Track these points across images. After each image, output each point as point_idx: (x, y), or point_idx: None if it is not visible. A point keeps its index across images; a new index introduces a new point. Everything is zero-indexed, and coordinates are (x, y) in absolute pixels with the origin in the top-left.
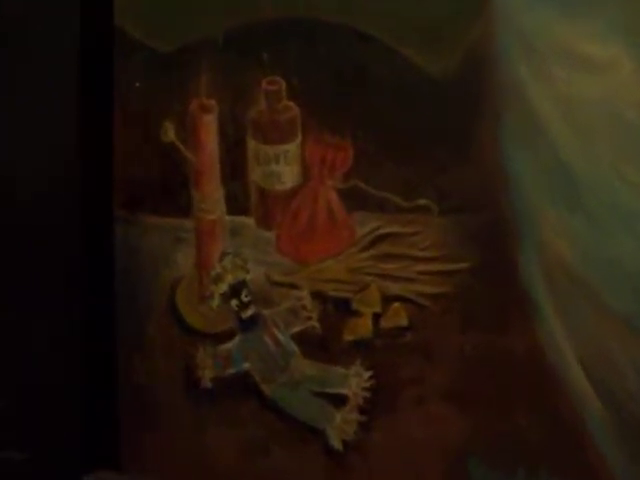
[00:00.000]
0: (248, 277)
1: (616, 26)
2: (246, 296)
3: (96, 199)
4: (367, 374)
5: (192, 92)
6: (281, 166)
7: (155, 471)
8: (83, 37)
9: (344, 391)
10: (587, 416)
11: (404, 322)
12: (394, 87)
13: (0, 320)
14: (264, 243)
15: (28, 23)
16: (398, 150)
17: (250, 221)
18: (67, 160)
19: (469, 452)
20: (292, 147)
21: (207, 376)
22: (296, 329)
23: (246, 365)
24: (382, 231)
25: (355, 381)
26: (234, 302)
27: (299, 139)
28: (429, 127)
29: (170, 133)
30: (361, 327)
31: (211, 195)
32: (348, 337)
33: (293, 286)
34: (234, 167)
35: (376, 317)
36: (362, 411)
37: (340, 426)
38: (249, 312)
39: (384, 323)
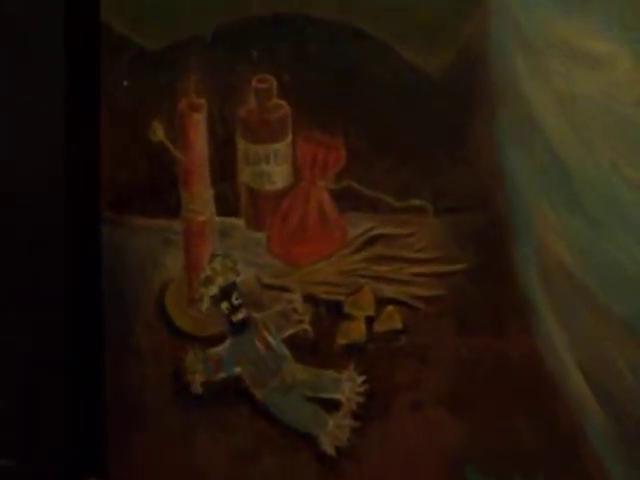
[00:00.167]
0: (238, 279)
1: (614, 21)
2: (237, 299)
3: (83, 200)
4: (360, 379)
5: (181, 91)
6: (271, 166)
7: (144, 478)
8: (68, 34)
9: (337, 396)
10: (585, 421)
11: (398, 325)
12: (388, 85)
13: None
14: (254, 245)
15: (11, 19)
16: (392, 149)
17: (240, 222)
18: (53, 160)
19: (465, 458)
20: (283, 146)
21: (197, 381)
22: (288, 333)
23: (237, 369)
24: (375, 232)
25: (348, 386)
26: (224, 305)
27: (290, 138)
28: (423, 125)
29: (159, 132)
30: (354, 331)
31: (200, 196)
32: (341, 341)
33: (284, 289)
34: (224, 167)
35: (369, 320)
36: (355, 416)
37: (333, 432)
38: (240, 315)
39: (378, 326)
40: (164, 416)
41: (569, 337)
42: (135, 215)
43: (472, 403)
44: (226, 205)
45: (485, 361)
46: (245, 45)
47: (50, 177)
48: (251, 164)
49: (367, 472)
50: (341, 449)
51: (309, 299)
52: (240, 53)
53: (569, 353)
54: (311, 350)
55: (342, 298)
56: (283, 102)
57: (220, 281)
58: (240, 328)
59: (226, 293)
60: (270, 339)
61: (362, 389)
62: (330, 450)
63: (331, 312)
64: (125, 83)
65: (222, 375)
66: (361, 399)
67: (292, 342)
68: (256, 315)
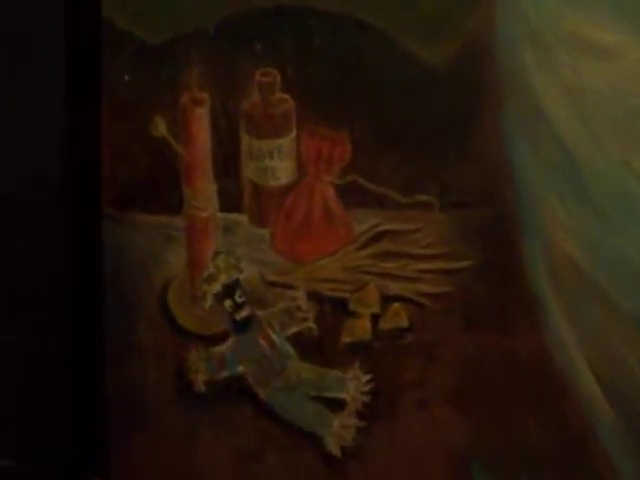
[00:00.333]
0: (242, 277)
1: (623, 12)
2: (240, 296)
3: (84, 197)
4: (366, 377)
5: (183, 85)
6: (275, 161)
7: (146, 478)
8: (69, 29)
9: (342, 395)
10: (595, 420)
11: (404, 323)
12: (393, 78)
13: None
14: (258, 241)
15: (10, 15)
16: (397, 144)
17: (243, 218)
18: (54, 157)
19: (472, 457)
20: (287, 141)
21: (200, 380)
22: (292, 331)
23: (240, 368)
24: (381, 228)
25: (353, 385)
26: (228, 303)
27: (294, 133)
28: (429, 119)
29: (161, 127)
30: (359, 328)
31: (203, 191)
32: (346, 339)
33: (288, 286)
34: (227, 162)
35: (375, 318)
36: (361, 416)
37: (338, 432)
38: (243, 313)
39: (383, 324)
40: (166, 415)
41: (578, 334)
42: (137, 212)
43: (479, 401)
44: (229, 201)
45: (492, 358)
46: (248, 38)
47: (51, 174)
48: (255, 159)
49: (373, 472)
50: (346, 449)
51: (314, 296)
52: (243, 46)
53: (578, 350)
54: (316, 348)
55: (347, 295)
56: (287, 96)
57: (223, 278)
58: (243, 326)
59: (229, 291)
60: (274, 337)
61: (367, 388)
62: (335, 450)
63: (336, 309)
64: (126, 78)
65: (225, 374)
66: (366, 398)
67: (296, 340)
68: (260, 313)
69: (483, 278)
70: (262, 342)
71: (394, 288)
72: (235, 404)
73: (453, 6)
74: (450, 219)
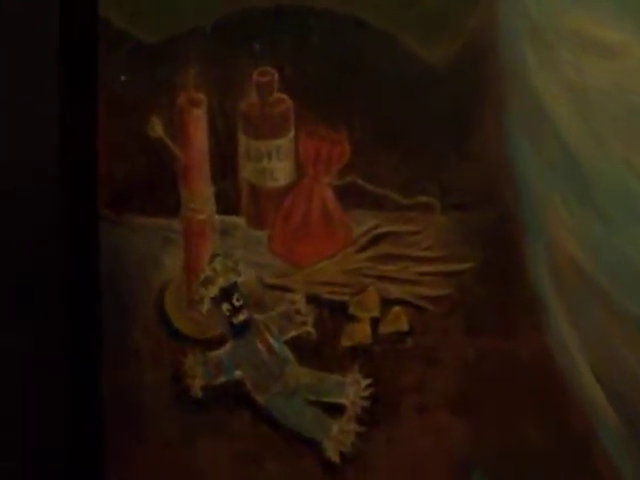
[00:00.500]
0: (239, 280)
1: (627, 9)
2: (238, 300)
3: (80, 198)
4: (365, 382)
5: (180, 85)
6: (274, 162)
7: None
8: (65, 27)
9: (341, 400)
10: (598, 424)
11: (404, 327)
12: (393, 77)
13: None
14: (256, 244)
15: (6, 13)
16: (397, 144)
17: (241, 221)
18: (49, 158)
19: (473, 463)
20: (285, 142)
21: (197, 385)
22: (290, 335)
23: (238, 373)
24: (381, 230)
25: (353, 389)
26: (225, 306)
27: (292, 133)
28: (430, 119)
29: (158, 128)
30: (359, 332)
31: (201, 193)
32: (345, 343)
33: (287, 289)
34: (224, 164)
35: (375, 322)
36: (360, 421)
37: (337, 437)
38: (241, 317)
39: (383, 328)
40: (163, 420)
41: (580, 336)
42: (134, 214)
43: (480, 405)
44: (227, 203)
45: (494, 362)
46: (246, 37)
47: (45, 175)
48: (252, 160)
49: (372, 478)
50: (346, 455)
51: (312, 300)
52: (241, 45)
53: (580, 352)
54: (314, 353)
55: (346, 298)
56: (285, 96)
57: (221, 282)
58: (241, 330)
59: (227, 294)
60: (272, 341)
61: (367, 393)
62: (334, 456)
63: (335, 313)
64: (123, 78)
65: (222, 379)
66: (366, 403)
67: (295, 344)
68: (258, 317)
69: (484, 280)
70: (260, 346)
71: (394, 291)
72: (233, 409)
73: (453, 4)
74: (450, 220)
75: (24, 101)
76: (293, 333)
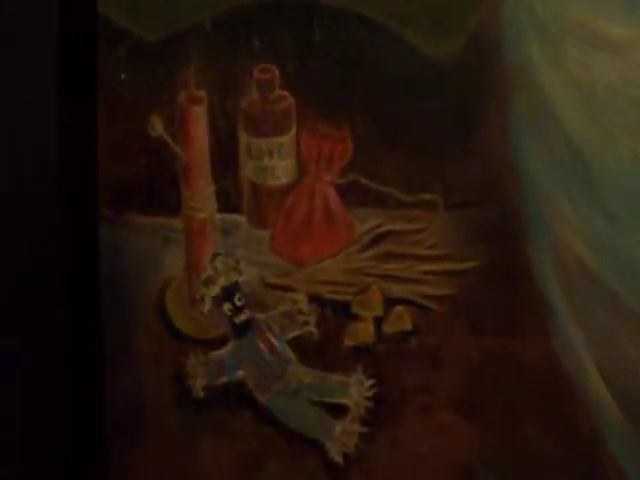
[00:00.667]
0: (241, 279)
1: (634, 4)
2: (239, 299)
3: (80, 198)
4: (369, 382)
5: (180, 82)
6: (275, 160)
7: None
8: (64, 25)
9: (344, 401)
10: (605, 426)
11: (408, 326)
12: (396, 73)
13: None
14: (257, 243)
15: (4, 11)
16: (400, 141)
17: (242, 219)
18: (48, 157)
19: (479, 465)
20: (287, 140)
21: (198, 385)
22: (292, 334)
23: (240, 373)
24: (384, 229)
25: (356, 390)
26: (227, 306)
27: (294, 131)
28: (433, 116)
29: (158, 127)
30: (362, 332)
31: (201, 192)
32: (348, 343)
33: (289, 288)
34: (225, 162)
35: (378, 321)
36: (364, 422)
37: (340, 438)
38: (243, 316)
39: (386, 327)
40: (165, 421)
41: (587, 336)
42: (134, 213)
43: (485, 406)
44: (228, 201)
45: (499, 362)
46: (246, 34)
47: (45, 175)
48: (254, 158)
49: (376, 479)
50: (349, 456)
51: (315, 299)
52: (241, 42)
53: (587, 353)
54: (317, 352)
55: (349, 298)
56: (286, 93)
57: (222, 281)
58: (243, 330)
59: (229, 293)
60: (274, 341)
61: (370, 393)
62: (337, 458)
63: (338, 313)
64: (122, 76)
65: (224, 379)
66: (369, 404)
67: (297, 344)
68: (260, 316)
69: (489, 279)
70: (262, 346)
71: (397, 290)
72: (235, 410)
73: None
74: (455, 219)
75: (23, 100)
76: (295, 333)
